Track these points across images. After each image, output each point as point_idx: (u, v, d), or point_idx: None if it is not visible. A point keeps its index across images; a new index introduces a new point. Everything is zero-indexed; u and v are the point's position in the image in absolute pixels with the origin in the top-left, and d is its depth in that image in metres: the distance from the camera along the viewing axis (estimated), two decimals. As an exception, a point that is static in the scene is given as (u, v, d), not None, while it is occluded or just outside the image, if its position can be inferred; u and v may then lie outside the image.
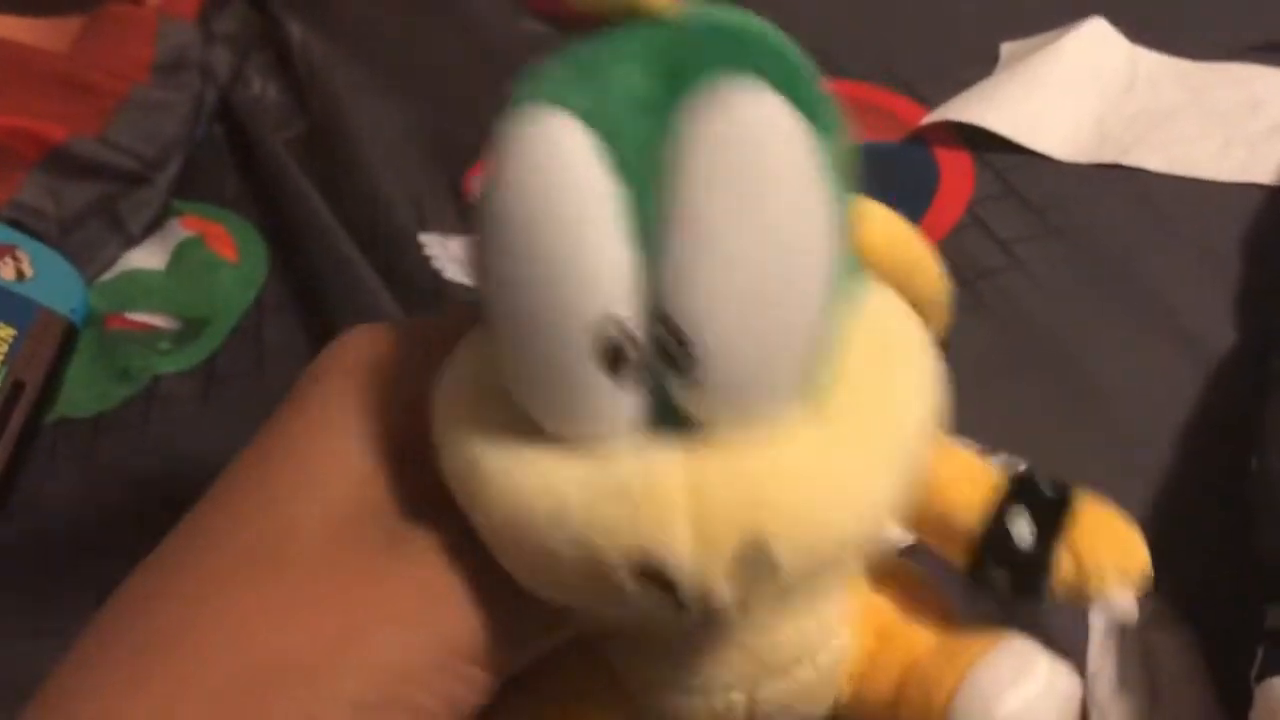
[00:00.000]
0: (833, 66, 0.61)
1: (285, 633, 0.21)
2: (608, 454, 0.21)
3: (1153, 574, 0.28)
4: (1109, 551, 0.27)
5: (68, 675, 0.22)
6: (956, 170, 0.53)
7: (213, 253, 0.57)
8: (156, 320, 0.54)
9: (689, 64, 0.20)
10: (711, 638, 0.26)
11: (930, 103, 0.57)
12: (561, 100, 0.19)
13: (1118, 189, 0.50)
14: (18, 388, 0.47)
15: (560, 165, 0.19)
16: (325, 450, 0.24)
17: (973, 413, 0.40)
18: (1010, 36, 0.60)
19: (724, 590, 0.20)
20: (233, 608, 0.22)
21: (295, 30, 0.71)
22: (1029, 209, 0.50)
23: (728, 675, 0.26)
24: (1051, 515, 0.27)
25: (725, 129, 0.19)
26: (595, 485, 0.20)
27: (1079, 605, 0.28)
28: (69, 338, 0.51)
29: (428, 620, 0.22)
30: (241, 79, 0.69)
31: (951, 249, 0.48)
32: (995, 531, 0.27)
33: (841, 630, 0.27)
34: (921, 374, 0.23)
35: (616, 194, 0.19)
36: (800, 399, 0.21)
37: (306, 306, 0.53)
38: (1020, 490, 0.27)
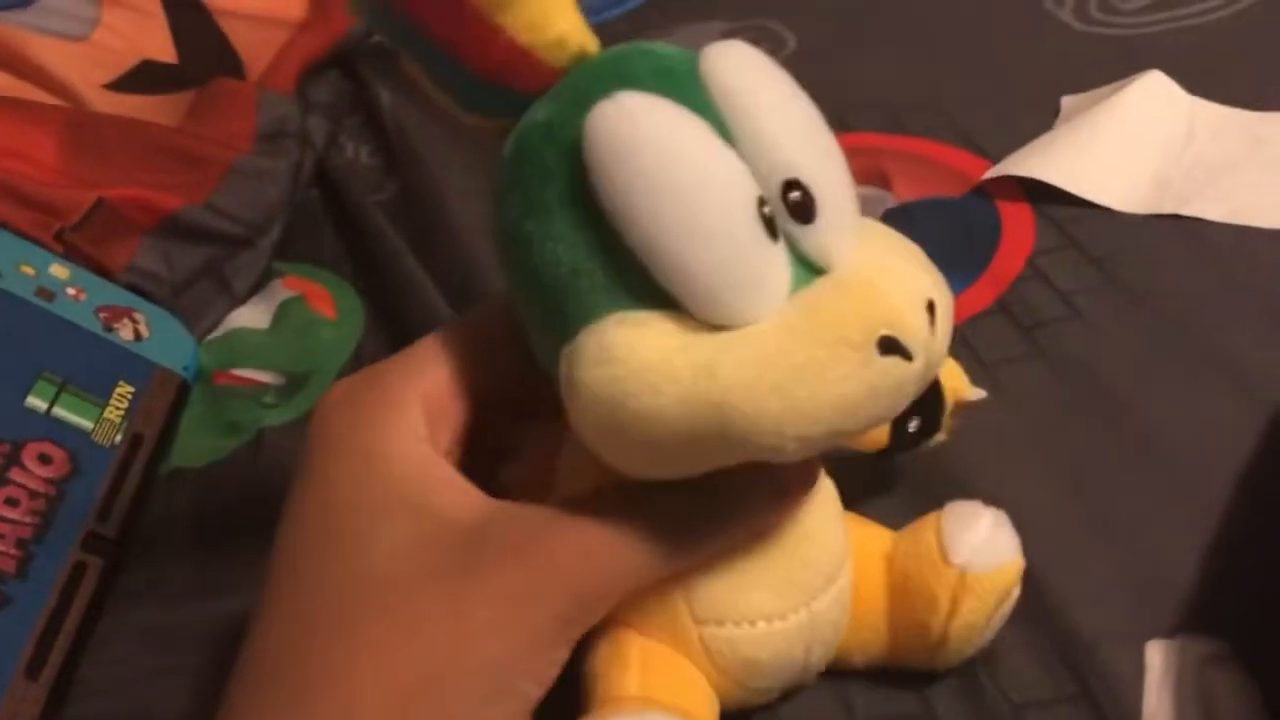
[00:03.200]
0: (896, 123, 0.64)
1: (408, 657, 0.25)
2: (802, 294, 0.26)
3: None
4: (954, 366, 0.39)
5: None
6: (1018, 223, 0.54)
7: (313, 311, 0.60)
8: (261, 376, 0.57)
9: (666, 56, 0.27)
10: (779, 555, 0.31)
11: (992, 156, 0.58)
12: (623, 86, 0.26)
13: (1178, 240, 0.51)
14: (137, 440, 0.50)
15: (670, 117, 0.25)
16: (377, 487, 0.27)
17: (1033, 461, 0.41)
18: (1070, 90, 0.62)
19: (930, 339, 0.26)
20: (360, 645, 0.25)
21: (384, 96, 0.75)
22: (1089, 260, 0.51)
23: (794, 592, 0.32)
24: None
25: (740, 61, 0.27)
26: (827, 303, 0.25)
27: (957, 419, 0.39)
28: (181, 393, 0.54)
29: (517, 619, 0.26)
30: (336, 145, 0.73)
31: (1013, 300, 0.50)
32: None
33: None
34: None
35: (704, 124, 0.26)
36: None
37: (400, 361, 0.56)
38: None
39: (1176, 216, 0.52)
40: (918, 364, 0.25)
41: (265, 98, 0.68)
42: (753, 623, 0.32)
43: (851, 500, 0.36)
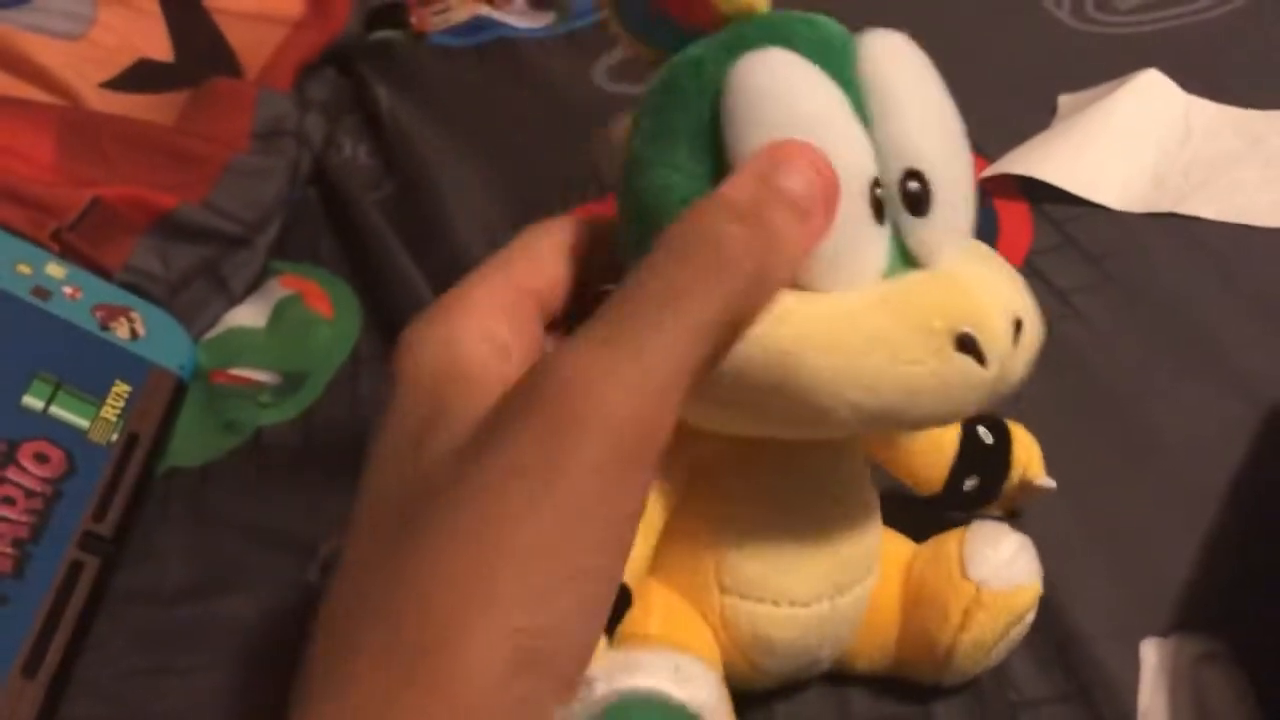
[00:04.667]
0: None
1: (465, 558, 0.21)
2: (892, 280, 0.26)
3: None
4: (1034, 448, 0.38)
5: (321, 685, 0.23)
6: (1015, 221, 0.54)
7: (310, 310, 0.60)
8: (258, 374, 0.57)
9: (827, 29, 0.28)
10: (823, 545, 0.32)
11: (989, 155, 0.58)
12: (781, 45, 0.26)
13: (1175, 238, 0.51)
14: (133, 440, 0.50)
15: (809, 81, 0.26)
16: (436, 397, 0.25)
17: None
18: (1068, 89, 0.62)
19: (1010, 351, 0.26)
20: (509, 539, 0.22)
21: (383, 95, 0.75)
22: (1087, 259, 0.51)
23: (823, 583, 0.32)
24: (997, 426, 0.38)
25: (897, 49, 0.28)
26: (917, 288, 0.26)
27: (1019, 498, 0.38)
28: (178, 392, 0.54)
29: (548, 487, 0.22)
30: (333, 143, 0.73)
31: (1011, 299, 0.50)
32: (968, 438, 0.37)
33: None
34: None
35: (843, 97, 0.26)
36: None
37: (398, 360, 0.56)
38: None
39: (1173, 215, 0.52)
40: (991, 371, 0.25)
41: (262, 96, 0.68)
42: (776, 603, 0.32)
43: (892, 503, 0.36)
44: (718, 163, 0.26)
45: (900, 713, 0.36)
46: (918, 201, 0.26)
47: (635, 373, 0.22)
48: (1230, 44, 0.63)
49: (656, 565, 0.33)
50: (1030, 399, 0.45)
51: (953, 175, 0.27)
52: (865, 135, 0.26)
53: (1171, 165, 0.55)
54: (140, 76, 0.70)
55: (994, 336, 0.25)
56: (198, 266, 0.61)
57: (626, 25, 0.30)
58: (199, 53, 0.73)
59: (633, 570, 0.30)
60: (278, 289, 0.62)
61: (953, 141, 0.27)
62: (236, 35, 0.75)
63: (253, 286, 0.62)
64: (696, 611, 0.33)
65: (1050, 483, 0.38)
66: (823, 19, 0.28)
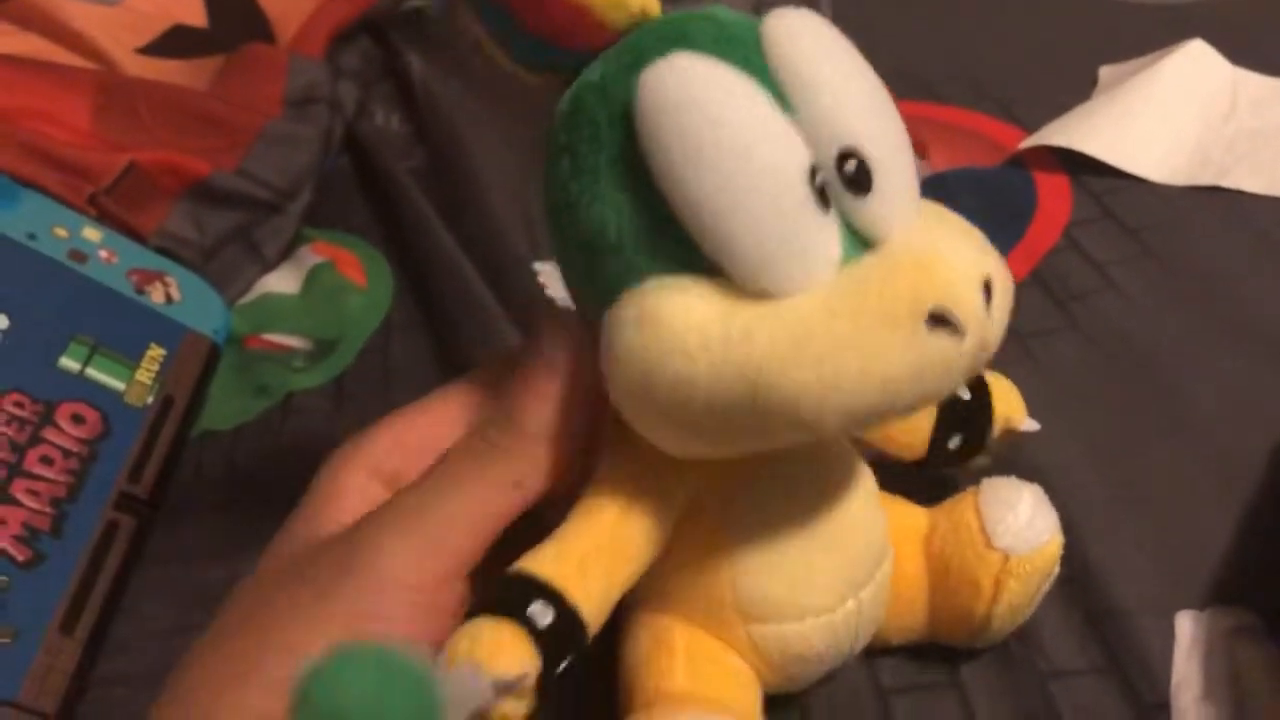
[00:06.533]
0: (931, 92, 0.63)
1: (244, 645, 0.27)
2: (850, 268, 0.25)
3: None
4: (1013, 393, 0.38)
5: (190, 671, 0.28)
6: (1054, 193, 0.53)
7: (342, 277, 0.60)
8: (291, 340, 0.57)
9: (728, 22, 0.26)
10: (832, 551, 0.31)
11: (1028, 127, 0.58)
12: (681, 48, 0.25)
13: (1216, 212, 0.50)
14: (168, 403, 0.50)
15: (724, 80, 0.25)
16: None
17: (1067, 433, 0.41)
18: (1109, 60, 0.61)
19: (985, 318, 0.25)
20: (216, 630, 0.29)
21: (415, 64, 0.75)
22: (1126, 231, 0.50)
23: (843, 585, 0.31)
24: (974, 380, 0.37)
25: (803, 28, 0.26)
26: (875, 277, 0.25)
27: (1005, 445, 0.37)
28: (212, 357, 0.55)
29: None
30: (366, 111, 0.73)
31: (1047, 271, 0.49)
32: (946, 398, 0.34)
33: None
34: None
35: (759, 90, 0.25)
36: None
37: (430, 328, 0.56)
38: None
39: (1215, 188, 0.51)
40: (969, 342, 0.24)
41: (295, 63, 0.68)
42: (801, 619, 0.31)
43: (882, 470, 0.35)
44: (645, 188, 0.25)
45: (930, 683, 0.35)
46: (859, 181, 0.25)
47: (421, 534, 0.28)
48: (1277, 17, 0.62)
49: (672, 602, 0.32)
50: (1067, 372, 0.45)
51: (889, 145, 0.26)
52: (791, 125, 0.25)
53: (1215, 138, 0.54)
54: (175, 42, 0.70)
55: (966, 303, 0.24)
56: (231, 232, 0.61)
57: (516, 59, 0.29)
58: (233, 19, 0.73)
59: (594, 608, 0.28)
60: (310, 256, 0.62)
61: (881, 111, 0.26)
62: (270, 2, 0.75)
63: (286, 253, 0.62)
64: (721, 642, 0.32)
65: (1033, 425, 0.37)
66: (722, 12, 0.27)
